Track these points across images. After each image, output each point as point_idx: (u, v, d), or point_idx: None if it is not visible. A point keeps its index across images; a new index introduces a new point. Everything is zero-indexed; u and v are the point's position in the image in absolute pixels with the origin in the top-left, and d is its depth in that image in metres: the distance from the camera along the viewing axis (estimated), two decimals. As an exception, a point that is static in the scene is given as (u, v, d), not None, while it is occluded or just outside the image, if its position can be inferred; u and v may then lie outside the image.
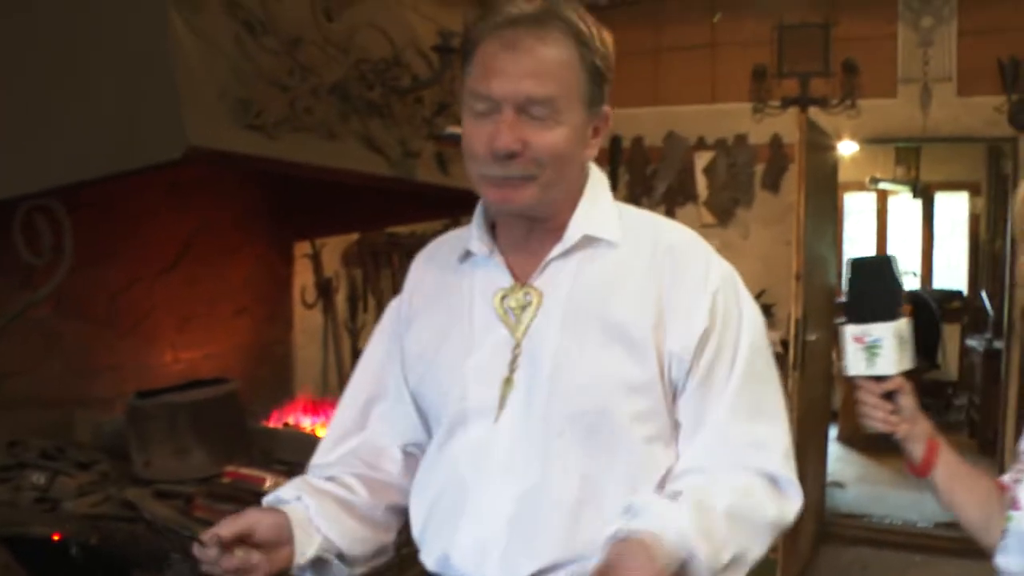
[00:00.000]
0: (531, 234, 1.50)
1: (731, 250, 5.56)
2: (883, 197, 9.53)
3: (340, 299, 4.24)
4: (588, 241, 1.49)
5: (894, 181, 9.14)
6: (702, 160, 5.71)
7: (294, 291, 3.95)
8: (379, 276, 4.39)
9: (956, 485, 1.67)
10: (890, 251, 9.51)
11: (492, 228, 1.55)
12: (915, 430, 1.65)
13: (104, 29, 2.12)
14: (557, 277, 1.48)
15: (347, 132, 2.50)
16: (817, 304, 4.98)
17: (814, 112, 5.37)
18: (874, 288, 1.63)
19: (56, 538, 2.12)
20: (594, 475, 1.41)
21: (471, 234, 1.55)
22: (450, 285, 1.56)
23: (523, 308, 1.48)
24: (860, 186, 8.97)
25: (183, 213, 3.24)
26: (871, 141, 5.75)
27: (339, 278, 4.22)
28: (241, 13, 2.31)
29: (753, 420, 1.46)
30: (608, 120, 1.50)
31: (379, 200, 3.43)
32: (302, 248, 3.97)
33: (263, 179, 3.44)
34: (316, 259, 4.02)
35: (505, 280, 1.51)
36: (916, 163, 9.07)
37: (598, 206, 1.52)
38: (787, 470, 1.48)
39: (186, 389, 2.73)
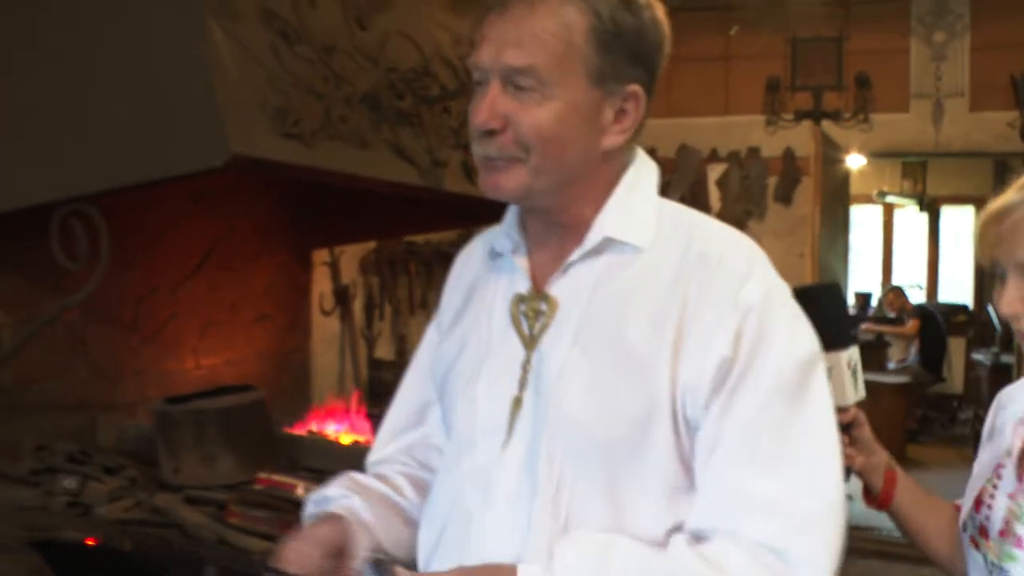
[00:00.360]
0: (550, 232, 1.34)
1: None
2: (889, 210, 9.57)
3: (357, 307, 4.25)
4: (611, 245, 1.29)
5: (901, 194, 9.18)
6: (715, 172, 5.74)
7: (313, 298, 3.96)
8: (396, 284, 4.40)
9: (918, 515, 1.63)
10: (897, 272, 9.59)
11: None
12: (872, 462, 1.59)
13: (144, 36, 2.13)
14: (576, 284, 1.30)
15: (379, 141, 2.52)
16: (829, 316, 4.99)
17: (826, 125, 5.41)
18: (820, 316, 1.48)
19: (90, 543, 2.12)
20: (579, 515, 1.23)
21: (501, 228, 1.41)
22: (479, 285, 1.43)
23: (536, 318, 1.32)
24: (867, 199, 9.01)
25: (207, 221, 3.25)
26: (883, 155, 5.80)
27: (356, 286, 4.23)
28: (276, 22, 2.33)
29: (766, 474, 1.19)
30: (638, 102, 1.28)
31: (397, 209, 3.44)
32: (320, 256, 3.98)
33: (284, 187, 3.46)
34: (334, 267, 4.03)
35: (522, 284, 1.35)
36: (923, 177, 9.11)
37: (632, 204, 1.31)
38: (801, 541, 1.18)
39: (212, 396, 2.74)
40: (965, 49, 5.39)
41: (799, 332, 1.26)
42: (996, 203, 1.47)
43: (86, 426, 2.89)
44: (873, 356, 7.73)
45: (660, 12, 1.29)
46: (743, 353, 1.21)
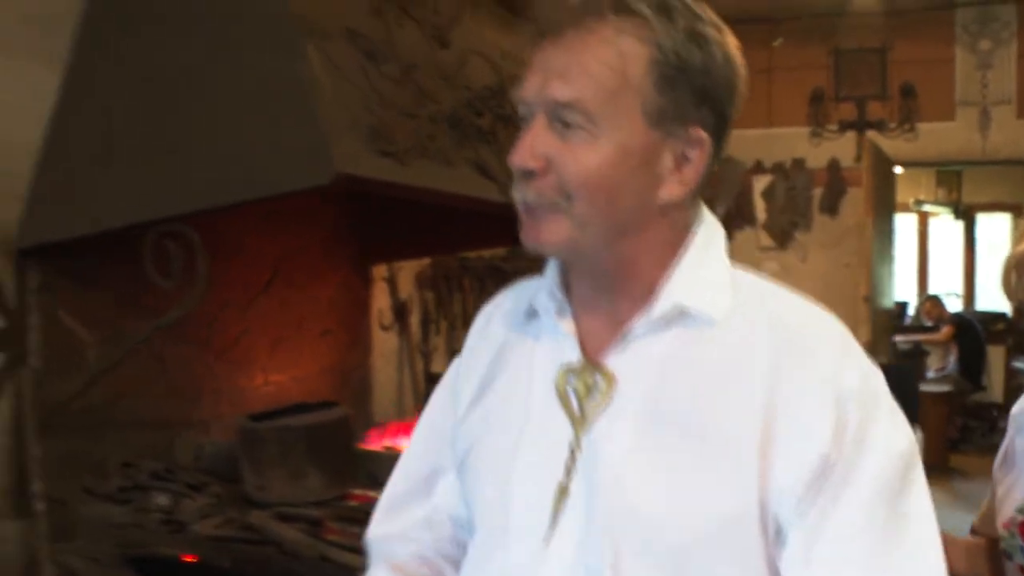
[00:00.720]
0: (599, 294, 1.18)
1: (790, 273, 5.61)
2: (923, 219, 9.55)
3: (414, 322, 4.27)
4: (682, 315, 1.13)
5: (936, 203, 9.16)
6: (760, 184, 5.75)
7: (372, 314, 3.99)
8: (452, 299, 4.42)
9: (972, 565, 1.69)
10: (933, 280, 9.56)
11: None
12: None
13: (241, 56, 2.16)
14: (639, 359, 1.14)
15: (461, 159, 2.54)
16: (880, 326, 4.99)
17: (872, 136, 5.41)
18: None
19: (189, 560, 2.15)
20: None
21: (541, 285, 1.23)
22: (513, 348, 1.26)
23: (589, 395, 1.14)
24: (903, 207, 8.99)
25: (275, 238, 3.28)
26: (930, 164, 5.81)
27: (412, 301, 4.25)
28: (362, 41, 2.35)
29: None
30: (703, 149, 1.12)
31: (455, 224, 3.46)
32: (379, 272, 4.01)
33: (347, 204, 3.48)
34: (392, 283, 4.06)
35: (571, 353, 1.18)
36: (958, 185, 9.09)
37: (706, 270, 1.16)
38: None
39: (292, 412, 2.76)
40: (1012, 56, 5.39)
41: (898, 423, 1.12)
42: (1015, 252, 1.54)
43: (164, 444, 2.92)
44: (911, 366, 7.70)
45: (733, 48, 1.14)
46: (844, 450, 1.06)
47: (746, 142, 5.82)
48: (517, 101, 1.15)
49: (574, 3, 1.11)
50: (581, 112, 1.07)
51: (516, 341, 1.26)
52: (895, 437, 1.10)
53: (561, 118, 1.08)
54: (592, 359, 1.16)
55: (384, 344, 4.09)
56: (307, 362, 3.52)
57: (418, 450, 1.41)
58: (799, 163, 5.73)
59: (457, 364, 1.37)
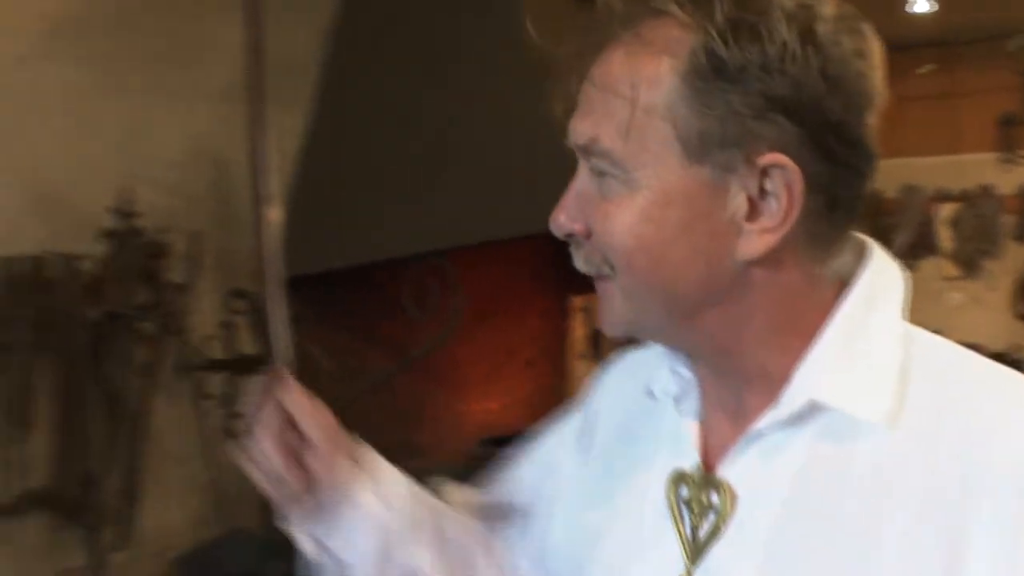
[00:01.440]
0: (716, 376, 0.92)
1: (978, 303, 5.46)
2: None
3: (606, 350, 4.34)
4: (820, 412, 0.84)
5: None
6: (943, 212, 5.65)
7: (570, 344, 4.09)
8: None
9: None
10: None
11: None
12: None
13: (493, 99, 2.28)
14: (767, 470, 0.86)
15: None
16: (1080, 359, 4.82)
17: (1067, 160, 5.25)
18: None
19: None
20: None
21: (663, 361, 0.96)
22: (633, 434, 1.01)
23: (703, 513, 0.88)
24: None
25: (489, 271, 3.40)
26: None
27: (606, 331, 4.33)
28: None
29: None
30: (787, 175, 0.80)
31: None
32: (577, 302, 4.11)
33: (548, 238, 3.59)
34: (588, 312, 4.14)
35: (688, 455, 0.92)
36: None
37: (863, 344, 0.85)
38: None
39: (518, 440, 2.84)
40: None
41: None
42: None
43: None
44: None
45: (826, 19, 0.80)
46: None
47: (928, 170, 5.72)
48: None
49: (589, 24, 0.89)
50: (604, 156, 0.85)
51: (636, 418, 1.00)
52: None
53: (594, 167, 0.86)
54: (711, 465, 0.90)
55: (580, 372, 4.17)
56: (515, 390, 3.63)
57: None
58: (987, 189, 5.60)
59: (579, 424, 1.12)
